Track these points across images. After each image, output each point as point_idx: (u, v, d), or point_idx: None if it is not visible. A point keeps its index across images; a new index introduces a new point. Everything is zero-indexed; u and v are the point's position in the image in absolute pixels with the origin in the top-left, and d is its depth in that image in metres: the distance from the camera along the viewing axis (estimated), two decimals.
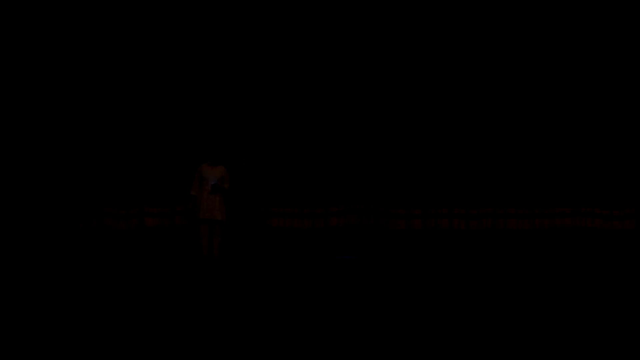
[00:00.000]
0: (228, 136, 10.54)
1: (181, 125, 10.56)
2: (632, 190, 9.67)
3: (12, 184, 10.51)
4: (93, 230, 10.65)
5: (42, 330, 5.44)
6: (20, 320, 5.95)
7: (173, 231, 10.57)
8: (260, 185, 10.14)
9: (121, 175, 10.50)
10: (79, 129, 10.57)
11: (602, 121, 9.80)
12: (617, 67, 9.72)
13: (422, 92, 10.14)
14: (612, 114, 9.78)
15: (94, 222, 10.60)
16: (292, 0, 10.26)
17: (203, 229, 10.00)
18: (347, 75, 10.30)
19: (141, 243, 10.60)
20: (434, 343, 6.91)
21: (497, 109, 10.01)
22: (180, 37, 10.46)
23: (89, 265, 9.54)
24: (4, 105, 10.46)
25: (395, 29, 10.16)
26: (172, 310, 8.01)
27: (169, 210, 10.57)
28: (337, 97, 10.33)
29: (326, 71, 10.31)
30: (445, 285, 8.04)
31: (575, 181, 9.89)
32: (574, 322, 7.37)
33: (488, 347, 6.88)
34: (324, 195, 10.41)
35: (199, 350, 5.27)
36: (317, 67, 10.32)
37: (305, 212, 10.42)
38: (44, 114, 10.52)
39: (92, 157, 10.58)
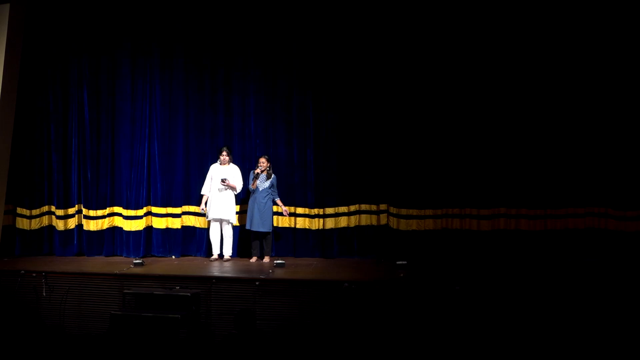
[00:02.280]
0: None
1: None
2: None
3: None
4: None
5: None
6: None
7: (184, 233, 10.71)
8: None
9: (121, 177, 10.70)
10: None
11: (615, 120, 9.68)
12: (630, 67, 9.66)
13: (432, 91, 10.12)
14: (626, 113, 9.69)
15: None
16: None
17: (213, 229, 10.16)
18: (356, 76, 10.36)
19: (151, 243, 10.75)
20: (443, 345, 7.04)
21: (508, 107, 9.94)
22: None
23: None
24: None
25: (395, 30, 10.19)
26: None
27: (181, 212, 10.71)
28: (345, 96, 10.39)
29: (335, 73, 10.38)
30: (457, 286, 8.11)
31: (588, 181, 9.76)
32: (587, 325, 7.46)
33: (500, 349, 6.99)
34: (332, 196, 10.45)
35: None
36: (329, 69, 10.40)
37: (315, 212, 10.49)
38: None
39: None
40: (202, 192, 10.17)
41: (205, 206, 10.10)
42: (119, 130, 10.71)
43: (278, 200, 10.05)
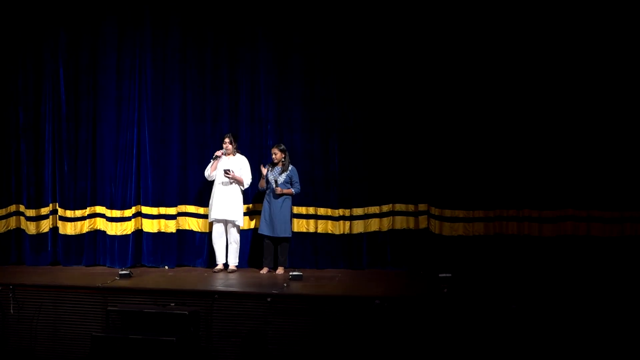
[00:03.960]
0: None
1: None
2: None
3: None
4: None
5: None
6: None
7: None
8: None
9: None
10: None
11: None
12: None
13: (487, 70, 10.05)
14: None
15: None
16: None
17: (217, 233, 10.14)
18: (392, 50, 10.29)
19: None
20: None
21: (580, 89, 9.83)
22: None
23: None
24: None
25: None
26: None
27: (176, 213, 10.70)
28: (379, 74, 10.34)
29: (367, 45, 10.32)
30: (514, 305, 8.00)
31: None
32: None
33: None
34: (360, 193, 10.38)
35: None
36: (359, 40, 10.34)
37: (340, 213, 10.41)
38: None
39: None
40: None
41: (214, 159, 10.03)
42: (102, 114, 10.69)
43: (290, 190, 9.97)
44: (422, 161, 10.22)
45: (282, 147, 10.03)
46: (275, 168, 9.98)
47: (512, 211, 10.01)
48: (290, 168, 10.00)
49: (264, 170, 9.98)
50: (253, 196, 10.44)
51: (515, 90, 9.96)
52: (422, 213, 10.31)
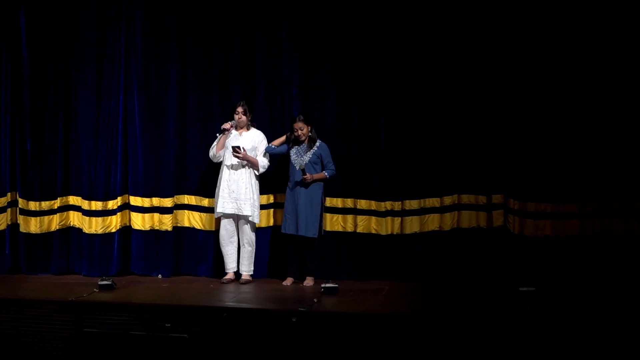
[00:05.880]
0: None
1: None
2: None
3: None
4: None
5: None
6: None
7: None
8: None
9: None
10: None
11: None
12: None
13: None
14: None
15: None
16: None
17: (225, 231, 10.11)
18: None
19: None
20: None
21: None
22: None
23: None
24: None
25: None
26: None
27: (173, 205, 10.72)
28: (443, 27, 10.26)
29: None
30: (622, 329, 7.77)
31: None
32: None
33: None
34: (414, 181, 10.29)
35: None
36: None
37: (387, 207, 10.29)
38: None
39: None
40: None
41: (221, 134, 10.03)
42: (78, 78, 10.83)
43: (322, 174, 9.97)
44: (496, 139, 10.15)
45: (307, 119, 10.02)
46: (300, 147, 9.96)
47: (617, 205, 9.89)
48: (318, 144, 10.03)
49: (278, 142, 10.15)
50: (274, 183, 10.41)
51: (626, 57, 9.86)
52: (496, 207, 10.24)
